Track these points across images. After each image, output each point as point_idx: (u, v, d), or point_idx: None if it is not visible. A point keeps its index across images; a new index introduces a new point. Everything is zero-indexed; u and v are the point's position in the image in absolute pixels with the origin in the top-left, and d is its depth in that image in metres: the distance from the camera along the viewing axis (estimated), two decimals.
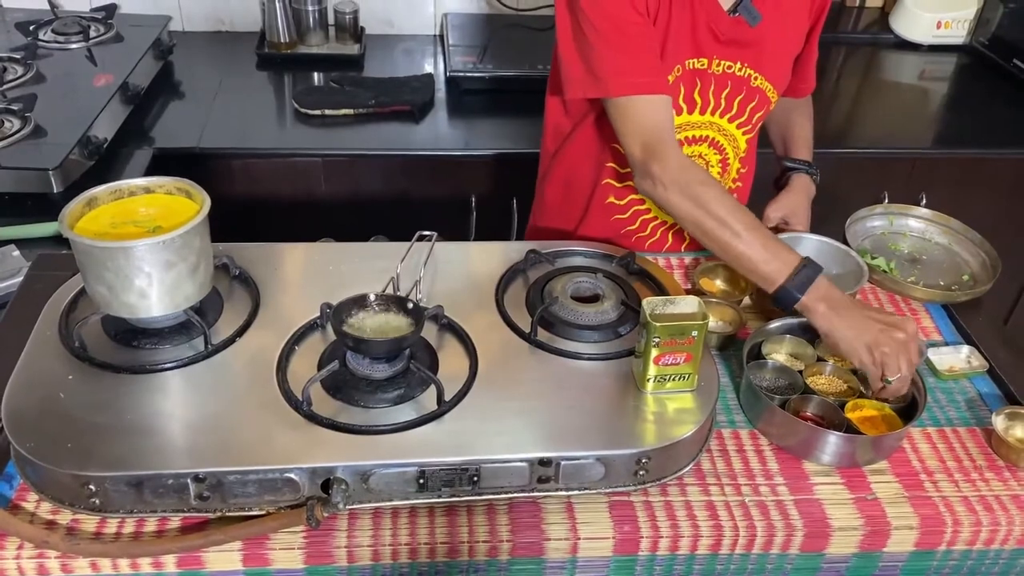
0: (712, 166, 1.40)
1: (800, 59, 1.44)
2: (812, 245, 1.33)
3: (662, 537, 0.95)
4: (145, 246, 0.94)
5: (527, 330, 1.08)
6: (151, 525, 0.91)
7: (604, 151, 1.38)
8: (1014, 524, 1.00)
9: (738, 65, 1.31)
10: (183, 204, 1.04)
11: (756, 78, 1.33)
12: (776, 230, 1.38)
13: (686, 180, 1.19)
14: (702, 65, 1.29)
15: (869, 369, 1.08)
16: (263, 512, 0.91)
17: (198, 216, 0.99)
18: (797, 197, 1.43)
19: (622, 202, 1.42)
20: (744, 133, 1.39)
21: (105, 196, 1.03)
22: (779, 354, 1.17)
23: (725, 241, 1.16)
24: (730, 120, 1.36)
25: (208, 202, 1.01)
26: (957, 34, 2.52)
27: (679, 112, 1.31)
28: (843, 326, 1.09)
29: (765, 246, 1.15)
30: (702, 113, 1.33)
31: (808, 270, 1.12)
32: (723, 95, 1.33)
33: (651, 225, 1.44)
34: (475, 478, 0.93)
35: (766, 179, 1.55)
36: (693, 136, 1.36)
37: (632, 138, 1.23)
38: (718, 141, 1.37)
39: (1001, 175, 2.15)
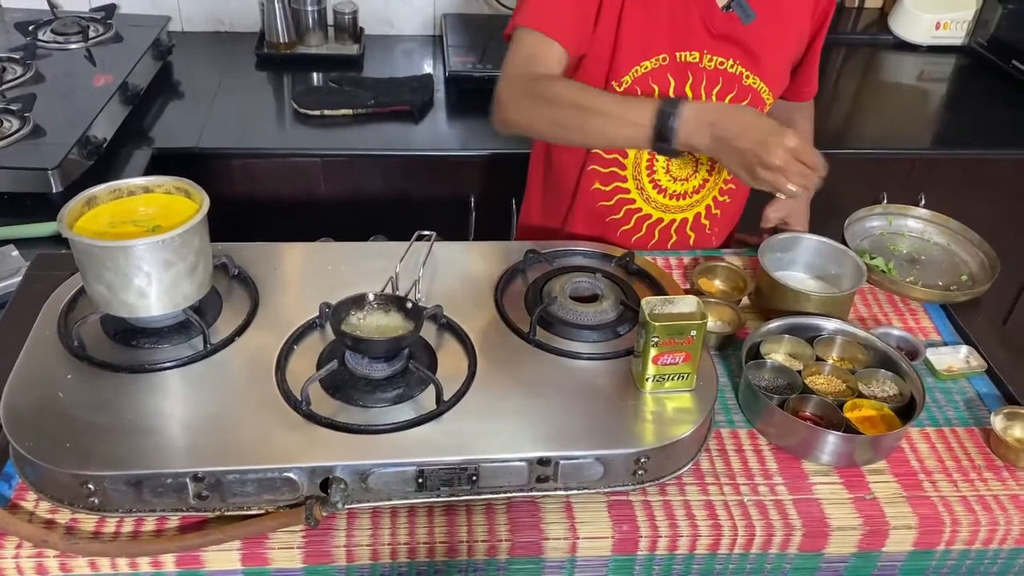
0: (702, 163, 1.40)
1: (802, 63, 1.45)
2: (811, 245, 1.33)
3: (661, 537, 0.95)
4: (144, 245, 0.94)
5: (526, 330, 1.08)
6: (150, 524, 0.91)
7: (588, 152, 1.39)
8: (1012, 524, 1.00)
9: (730, 62, 1.31)
10: (182, 204, 1.04)
11: (748, 77, 1.33)
12: (775, 230, 1.38)
13: (528, 86, 1.20)
14: (693, 59, 1.29)
15: (764, 185, 1.11)
16: (262, 511, 0.91)
17: (197, 215, 0.99)
18: (796, 198, 1.43)
19: (607, 188, 1.42)
20: None
21: (104, 195, 1.03)
22: (778, 354, 1.17)
23: (582, 120, 1.17)
24: None
25: (207, 201, 1.01)
26: (956, 35, 2.52)
27: None
28: (726, 156, 1.12)
29: (619, 102, 1.16)
30: None
31: (668, 102, 1.13)
32: (714, 91, 1.33)
33: (635, 217, 1.45)
34: (474, 477, 0.93)
35: None
36: None
37: (505, 67, 1.26)
38: None
39: (1000, 176, 2.15)
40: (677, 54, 1.28)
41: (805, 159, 1.11)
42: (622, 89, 1.31)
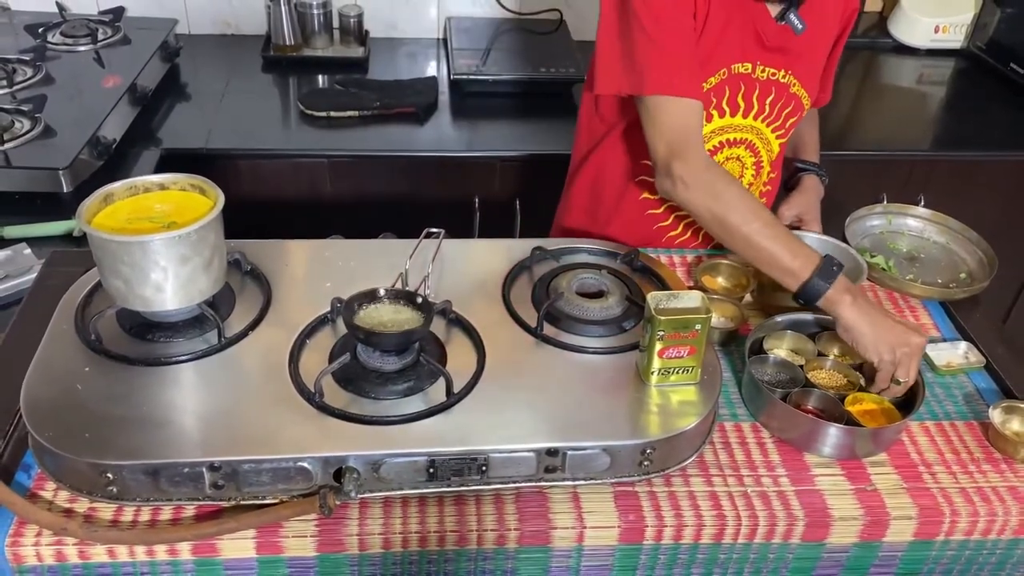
0: (747, 168, 1.43)
1: (823, 70, 1.47)
2: (812, 242, 1.34)
3: (666, 526, 0.97)
4: (161, 240, 0.96)
5: (533, 325, 1.10)
6: (167, 513, 0.93)
7: (637, 162, 1.40)
8: (1010, 515, 1.02)
9: (781, 72, 1.34)
10: (197, 201, 1.06)
11: (795, 85, 1.37)
12: (790, 228, 1.40)
13: (709, 179, 1.21)
14: (746, 70, 1.32)
15: (886, 366, 1.10)
16: (276, 500, 0.93)
17: (213, 211, 1.01)
18: (808, 196, 1.47)
19: (655, 196, 1.42)
20: (778, 137, 1.43)
21: (121, 192, 1.05)
22: (780, 349, 1.19)
23: (749, 237, 1.18)
24: (767, 124, 1.39)
25: (222, 198, 1.03)
26: (955, 38, 2.55)
27: (722, 114, 1.34)
28: (867, 321, 1.12)
29: (788, 242, 1.17)
30: (744, 117, 1.36)
31: (832, 264, 1.15)
32: (767, 101, 1.36)
33: (683, 223, 1.46)
34: (483, 468, 0.95)
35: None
36: (733, 139, 1.39)
37: (659, 138, 1.24)
38: (755, 144, 1.41)
39: (998, 178, 2.17)
40: (733, 67, 1.30)
41: (918, 358, 1.13)
42: None
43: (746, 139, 1.39)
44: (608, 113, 1.39)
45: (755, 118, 1.37)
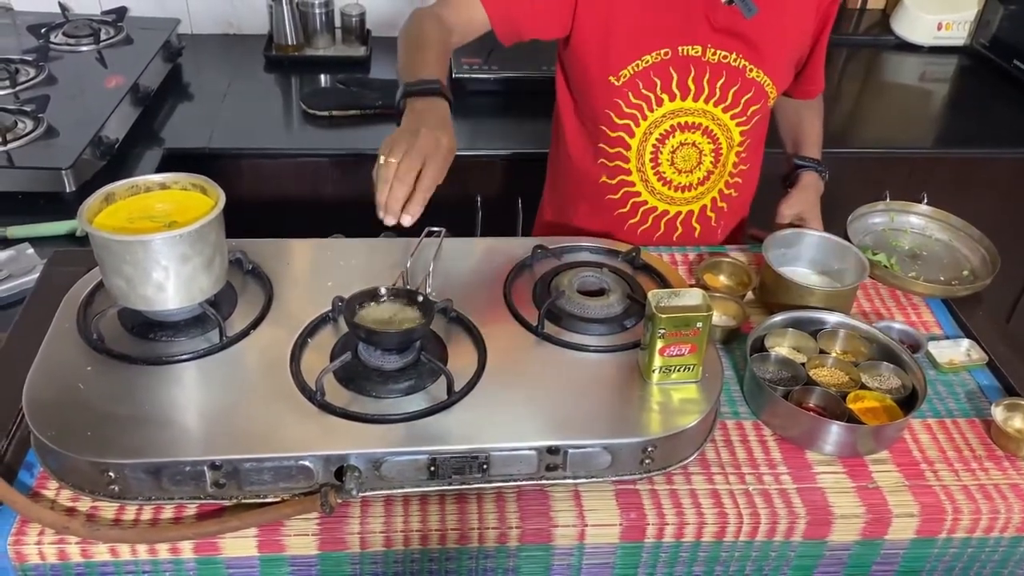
0: (705, 155, 1.43)
1: (808, 61, 1.47)
2: (814, 241, 1.35)
3: (668, 524, 0.97)
4: (162, 239, 0.97)
5: (534, 323, 1.10)
6: (168, 512, 0.93)
7: (593, 145, 1.42)
8: (1013, 512, 1.02)
9: (733, 55, 1.34)
10: (198, 200, 1.06)
11: (752, 70, 1.36)
12: (791, 227, 1.41)
13: (419, 17, 1.29)
14: (696, 52, 1.32)
15: (381, 168, 1.07)
16: (278, 499, 0.93)
17: (214, 210, 1.01)
18: (807, 194, 1.47)
19: (613, 181, 1.45)
20: (738, 124, 1.42)
21: (122, 192, 1.05)
22: (782, 347, 1.19)
23: (399, 46, 1.26)
24: (724, 110, 1.39)
25: (223, 197, 1.03)
26: (958, 35, 2.54)
27: (672, 98, 1.35)
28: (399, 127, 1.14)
29: (418, 59, 1.21)
30: (695, 100, 1.36)
31: (426, 84, 1.17)
32: (718, 84, 1.36)
33: (641, 210, 1.47)
34: (485, 466, 0.95)
35: (773, 178, 1.58)
36: (686, 123, 1.39)
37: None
38: (711, 130, 1.40)
39: (1001, 175, 2.17)
40: (679, 48, 1.30)
41: (433, 166, 1.10)
42: (620, 83, 1.34)
43: (701, 124, 1.39)
44: (560, 93, 1.44)
45: (707, 102, 1.37)
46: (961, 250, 1.44)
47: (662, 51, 1.30)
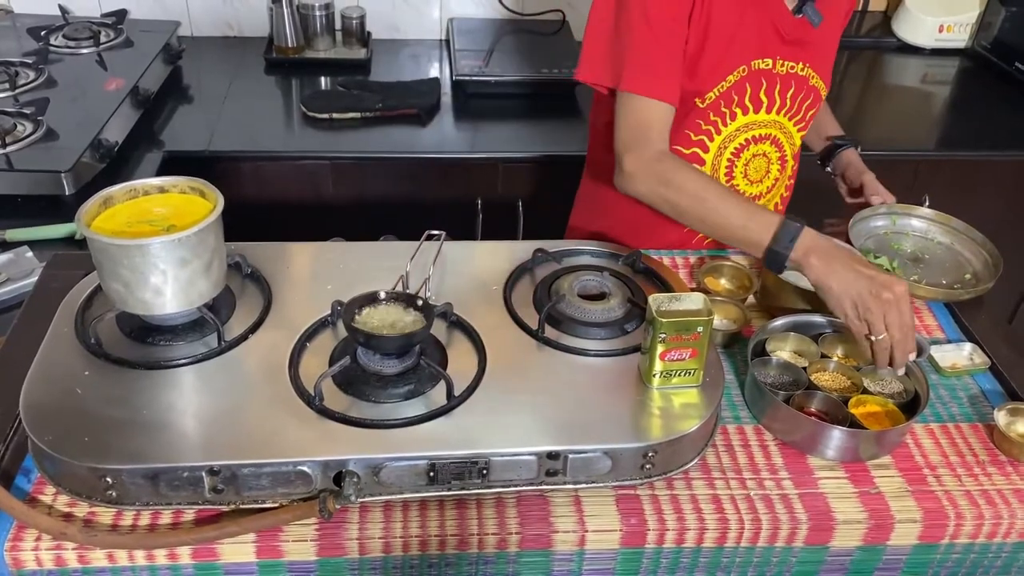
0: (773, 163, 1.45)
1: None
2: None
3: (668, 530, 0.96)
4: (161, 243, 0.96)
5: (535, 327, 1.10)
6: (166, 517, 0.93)
7: None
8: (1016, 518, 1.01)
9: (800, 65, 1.36)
10: (196, 203, 1.06)
11: (813, 77, 1.39)
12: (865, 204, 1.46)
13: (659, 168, 1.23)
14: (767, 65, 1.33)
15: (853, 325, 1.09)
16: (276, 505, 0.93)
17: (212, 214, 1.00)
18: (861, 167, 1.52)
19: None
20: (799, 130, 1.45)
21: (120, 195, 1.05)
22: (783, 351, 1.18)
23: (704, 217, 1.19)
24: (790, 118, 1.41)
25: (222, 201, 1.03)
26: (959, 38, 2.54)
27: (746, 112, 1.35)
28: (833, 280, 1.11)
29: (743, 212, 1.17)
30: (768, 112, 1.37)
31: (790, 225, 1.14)
32: (788, 94, 1.37)
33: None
34: (484, 471, 0.94)
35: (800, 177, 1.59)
36: (758, 135, 1.40)
37: (619, 132, 1.27)
38: (779, 139, 1.42)
39: (1003, 178, 2.16)
40: (752, 63, 1.31)
41: (906, 312, 1.08)
42: (705, 104, 1.33)
43: (770, 135, 1.41)
44: (603, 105, 1.40)
45: (779, 113, 1.39)
46: (963, 253, 1.44)
47: (740, 69, 1.31)
